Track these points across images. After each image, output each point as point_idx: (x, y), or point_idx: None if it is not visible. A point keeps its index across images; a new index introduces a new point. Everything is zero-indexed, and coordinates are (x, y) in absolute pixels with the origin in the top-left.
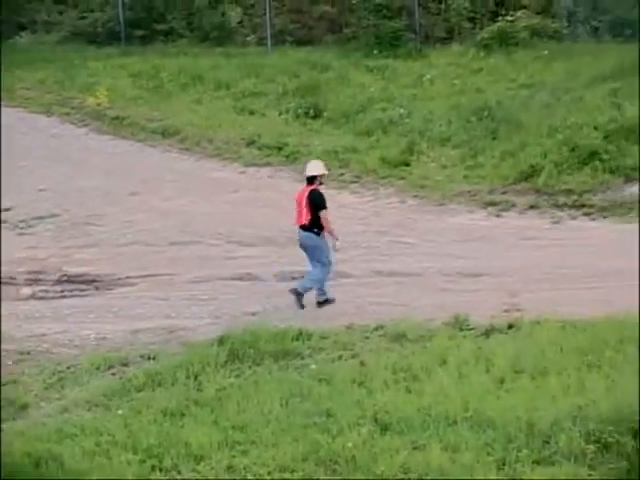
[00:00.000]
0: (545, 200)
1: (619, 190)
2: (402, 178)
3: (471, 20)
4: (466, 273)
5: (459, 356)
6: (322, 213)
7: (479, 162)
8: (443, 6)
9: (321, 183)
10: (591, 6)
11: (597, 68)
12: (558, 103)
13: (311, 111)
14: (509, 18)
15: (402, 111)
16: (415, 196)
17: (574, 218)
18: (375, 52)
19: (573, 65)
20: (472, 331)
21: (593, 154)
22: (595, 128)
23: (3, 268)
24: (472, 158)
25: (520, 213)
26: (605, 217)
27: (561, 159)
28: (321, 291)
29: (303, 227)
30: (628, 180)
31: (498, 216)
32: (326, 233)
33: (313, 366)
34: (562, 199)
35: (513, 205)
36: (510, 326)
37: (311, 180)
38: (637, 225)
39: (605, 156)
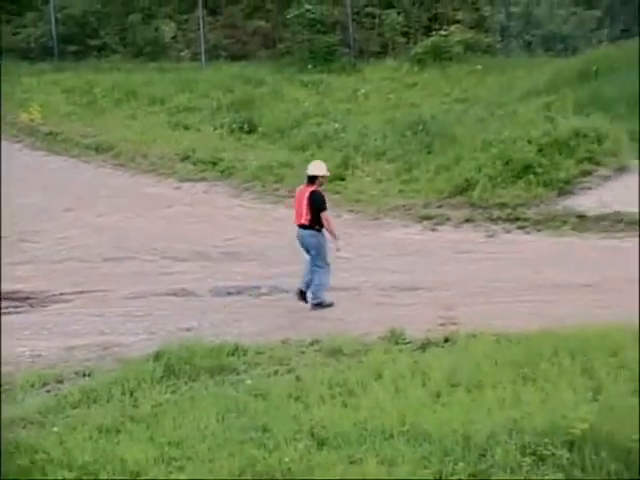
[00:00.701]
0: (480, 214)
1: (553, 203)
2: (337, 193)
3: (405, 35)
4: (402, 287)
5: (395, 370)
6: (323, 214)
7: (414, 176)
8: (377, 21)
9: (321, 184)
10: (524, 21)
11: (530, 82)
12: (492, 117)
13: (246, 126)
14: (443, 33)
15: (337, 126)
16: (350, 210)
17: (508, 231)
18: (309, 67)
19: (507, 79)
20: (408, 345)
21: (527, 168)
22: (529, 142)
23: None
24: (407, 172)
25: (455, 227)
26: (539, 230)
27: (495, 173)
28: (318, 295)
29: (303, 226)
30: (561, 193)
31: (433, 230)
32: (327, 234)
33: (249, 381)
34: (496, 213)
35: (448, 219)
36: (446, 340)
37: (312, 180)
38: (569, 238)
39: (539, 170)
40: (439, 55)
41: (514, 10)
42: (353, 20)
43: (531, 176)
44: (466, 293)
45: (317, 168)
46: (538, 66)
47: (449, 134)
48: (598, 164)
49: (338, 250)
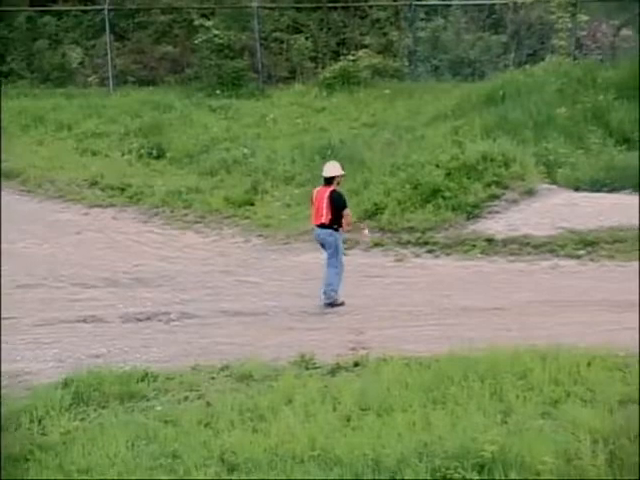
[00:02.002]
0: (389, 238)
1: (461, 227)
2: (246, 217)
3: (313, 59)
4: (311, 312)
5: (305, 395)
6: (346, 211)
7: None
8: (285, 46)
9: (338, 183)
10: (431, 45)
11: (438, 107)
12: (400, 142)
13: (154, 151)
14: (351, 57)
15: (246, 151)
16: (260, 235)
17: (418, 255)
18: (218, 92)
19: (415, 104)
20: (318, 370)
21: (435, 192)
22: (437, 166)
23: None
24: None
25: (364, 251)
26: (448, 254)
27: (404, 197)
28: (331, 295)
29: (322, 225)
30: (470, 217)
31: (343, 254)
32: (351, 229)
33: (159, 408)
34: (405, 237)
35: (357, 243)
36: (356, 364)
37: (329, 181)
38: (478, 262)
39: (447, 194)
40: (347, 80)
41: (421, 35)
42: (261, 45)
43: (440, 200)
44: (376, 317)
45: (333, 169)
46: (446, 91)
47: (358, 159)
48: (506, 188)
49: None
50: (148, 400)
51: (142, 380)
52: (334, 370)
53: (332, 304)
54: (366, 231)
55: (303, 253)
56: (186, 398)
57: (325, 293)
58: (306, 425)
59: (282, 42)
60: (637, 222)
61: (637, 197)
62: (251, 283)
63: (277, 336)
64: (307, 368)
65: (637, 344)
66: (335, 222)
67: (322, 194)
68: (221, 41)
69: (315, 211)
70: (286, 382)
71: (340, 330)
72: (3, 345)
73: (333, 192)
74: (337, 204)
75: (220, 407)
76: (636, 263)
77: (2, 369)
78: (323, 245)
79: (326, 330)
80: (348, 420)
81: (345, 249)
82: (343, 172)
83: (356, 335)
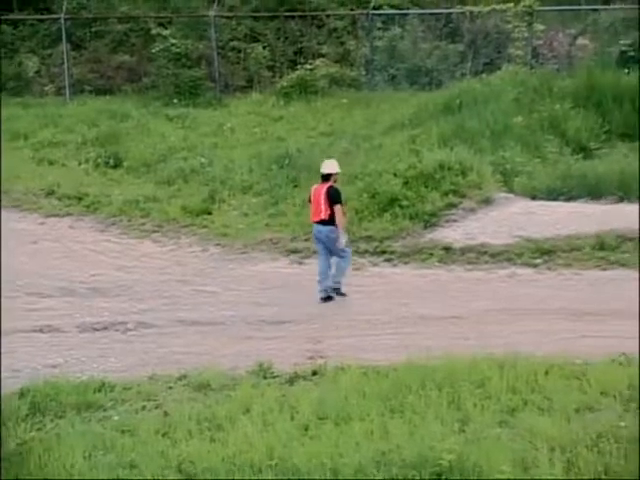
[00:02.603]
0: None
1: (419, 236)
2: (204, 227)
3: (270, 69)
4: (269, 321)
5: (263, 404)
6: (337, 207)
7: (281, 210)
8: (242, 55)
9: (335, 181)
10: (388, 55)
11: (395, 116)
12: (358, 150)
13: (111, 160)
14: (308, 67)
15: (203, 160)
16: (217, 244)
17: (375, 264)
18: (175, 101)
19: (372, 113)
20: (276, 379)
21: (393, 201)
22: (395, 175)
23: None
24: (274, 206)
25: None
26: (406, 263)
27: (361, 206)
28: (325, 290)
29: (322, 222)
30: (427, 226)
31: (300, 263)
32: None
33: (116, 417)
34: (363, 246)
35: (315, 252)
36: (314, 373)
37: (327, 178)
38: (436, 271)
39: (405, 202)
40: (305, 89)
41: (378, 44)
42: (218, 54)
43: (397, 209)
44: (334, 326)
45: (330, 166)
46: (403, 99)
47: (315, 168)
48: (463, 196)
49: (341, 245)
50: (105, 410)
51: (99, 390)
52: (292, 379)
53: (338, 289)
54: (343, 240)
55: (260, 262)
56: (143, 408)
57: (333, 277)
58: (264, 434)
59: (239, 51)
60: (592, 230)
61: (593, 205)
62: (208, 292)
63: (235, 345)
64: (265, 377)
65: (593, 352)
66: (334, 218)
67: (320, 191)
68: (178, 50)
69: (314, 208)
70: (244, 391)
71: (298, 339)
72: None
73: (330, 188)
74: (333, 199)
75: (178, 417)
76: (592, 271)
77: None
78: (324, 244)
79: (284, 339)
80: (306, 429)
81: (301, 258)
82: (339, 170)
83: (314, 344)
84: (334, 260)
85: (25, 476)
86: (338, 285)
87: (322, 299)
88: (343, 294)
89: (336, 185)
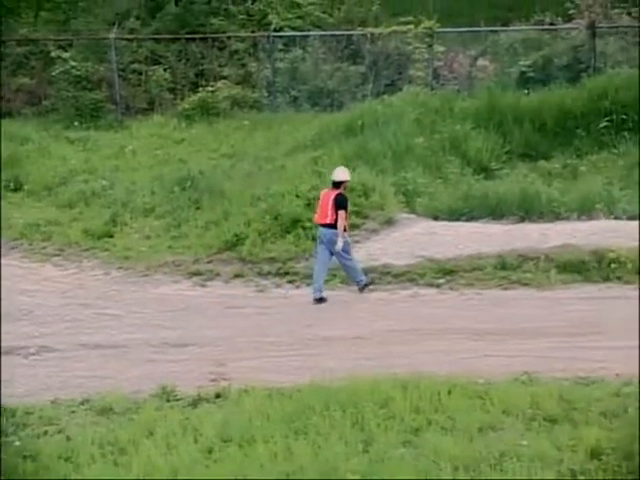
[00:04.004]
0: (250, 269)
1: None
2: (106, 250)
3: (172, 91)
4: (172, 343)
5: (167, 427)
6: (340, 212)
7: (183, 232)
8: (143, 77)
9: (345, 188)
10: (290, 76)
11: (297, 137)
12: (260, 172)
13: (11, 184)
14: (210, 89)
15: (104, 183)
16: (119, 267)
17: (278, 286)
18: (76, 124)
19: (274, 134)
20: (179, 402)
21: (296, 222)
22: (297, 196)
23: None
24: (176, 228)
25: (225, 282)
26: (309, 284)
27: (264, 228)
28: (319, 289)
29: (327, 225)
30: None
31: (203, 286)
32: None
33: (17, 443)
34: (266, 267)
35: (218, 274)
36: (217, 395)
37: (338, 185)
38: (339, 292)
39: (308, 224)
40: (206, 111)
41: (280, 66)
42: (119, 77)
43: (300, 230)
44: (237, 348)
45: (342, 174)
46: (305, 121)
47: (218, 190)
48: (365, 217)
49: (337, 250)
50: (7, 435)
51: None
52: (195, 402)
53: (366, 285)
54: (339, 244)
55: (163, 284)
56: (45, 432)
57: (354, 280)
58: (167, 458)
59: (140, 73)
60: (494, 250)
61: (494, 225)
62: (111, 315)
63: (138, 368)
64: (168, 400)
65: (496, 371)
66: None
67: (329, 196)
68: (79, 73)
69: (320, 211)
70: (147, 415)
71: (201, 361)
72: None
73: (339, 195)
74: (339, 206)
75: (80, 441)
76: (494, 291)
77: None
78: (322, 243)
79: (187, 362)
80: (210, 452)
81: (204, 280)
82: (349, 178)
83: (217, 366)
84: (340, 262)
85: None
86: (362, 281)
87: (315, 300)
88: (369, 284)
89: (344, 193)
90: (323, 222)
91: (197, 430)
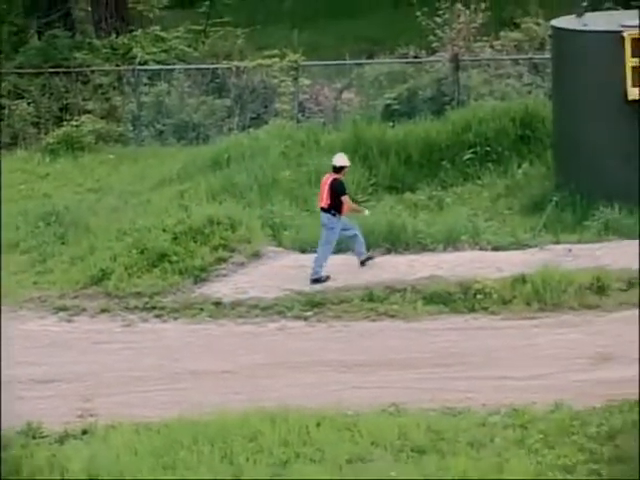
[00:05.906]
0: (116, 303)
1: (189, 291)
2: None
3: (36, 125)
4: (39, 380)
5: (33, 465)
6: (344, 198)
7: (49, 267)
8: (7, 111)
9: (344, 174)
10: (155, 110)
11: (163, 171)
12: (126, 206)
13: None
14: (74, 123)
15: None
16: None
17: (145, 320)
18: None
19: (140, 168)
20: (46, 438)
21: (162, 256)
22: (164, 230)
23: None
24: (41, 263)
25: (91, 317)
26: (176, 319)
27: (131, 262)
28: (317, 270)
29: (322, 209)
30: (197, 281)
31: (69, 321)
32: (352, 212)
33: None
34: (133, 302)
35: (84, 309)
36: (84, 431)
37: (339, 170)
38: (206, 325)
39: (174, 258)
40: (71, 145)
41: (145, 99)
42: None
43: (167, 264)
44: (104, 384)
45: (341, 160)
46: (171, 155)
47: (83, 224)
48: (233, 251)
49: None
50: None
51: None
52: (62, 438)
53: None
54: (366, 212)
55: (29, 320)
56: None
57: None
58: None
59: (3, 108)
60: (361, 282)
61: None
62: None
63: (4, 405)
64: (34, 437)
65: (364, 402)
66: (333, 207)
67: (327, 180)
68: None
69: (320, 195)
70: (13, 452)
71: (68, 397)
72: None
73: (335, 180)
74: (336, 191)
75: None
76: (362, 323)
77: None
78: (322, 225)
79: (54, 398)
80: None
81: (70, 316)
82: (349, 163)
83: (84, 402)
84: (351, 237)
85: None
86: (364, 256)
87: (312, 280)
88: (370, 257)
89: (341, 178)
90: (321, 206)
91: (64, 467)
